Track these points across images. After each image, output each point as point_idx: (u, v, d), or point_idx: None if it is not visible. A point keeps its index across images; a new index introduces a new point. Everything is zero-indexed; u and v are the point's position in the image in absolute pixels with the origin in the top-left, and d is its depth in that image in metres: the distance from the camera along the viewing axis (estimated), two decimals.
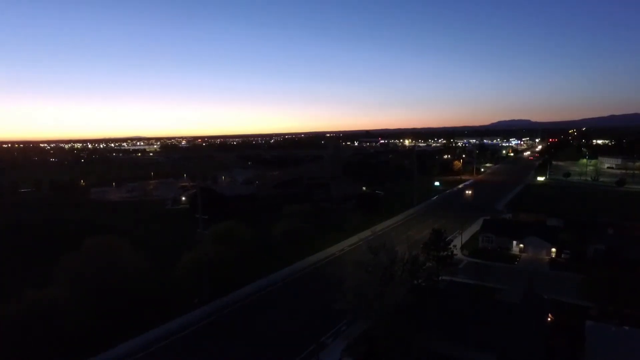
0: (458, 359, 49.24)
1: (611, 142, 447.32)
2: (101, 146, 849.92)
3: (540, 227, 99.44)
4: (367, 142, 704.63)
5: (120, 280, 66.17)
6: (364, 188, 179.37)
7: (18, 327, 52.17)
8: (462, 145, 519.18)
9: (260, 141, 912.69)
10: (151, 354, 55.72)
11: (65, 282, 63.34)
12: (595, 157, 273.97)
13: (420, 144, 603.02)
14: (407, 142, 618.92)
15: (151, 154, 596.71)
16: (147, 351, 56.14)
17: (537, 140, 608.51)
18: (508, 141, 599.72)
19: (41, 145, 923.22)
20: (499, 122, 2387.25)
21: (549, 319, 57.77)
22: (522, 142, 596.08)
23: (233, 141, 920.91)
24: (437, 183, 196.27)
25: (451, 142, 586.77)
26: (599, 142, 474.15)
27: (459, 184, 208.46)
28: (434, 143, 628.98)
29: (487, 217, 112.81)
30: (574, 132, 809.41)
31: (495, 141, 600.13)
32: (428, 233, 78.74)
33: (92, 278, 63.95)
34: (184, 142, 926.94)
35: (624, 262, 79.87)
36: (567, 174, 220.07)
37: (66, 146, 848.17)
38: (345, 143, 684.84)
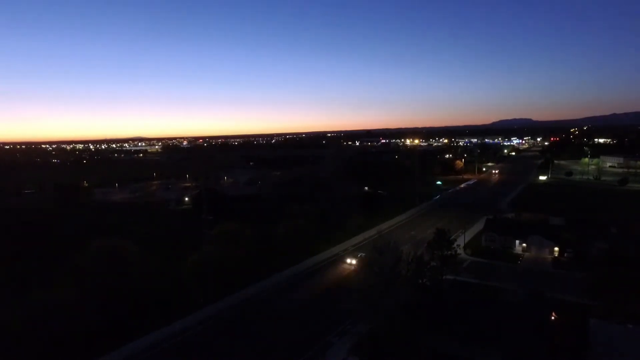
0: (463, 358, 49.65)
1: (613, 140, 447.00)
2: (103, 147, 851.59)
3: (543, 226, 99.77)
4: (368, 141, 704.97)
5: (126, 281, 66.81)
6: (366, 188, 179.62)
7: (25, 327, 52.70)
8: (463, 144, 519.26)
9: (261, 141, 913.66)
10: (157, 354, 56.17)
11: (72, 282, 64.02)
12: (597, 156, 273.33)
13: (422, 144, 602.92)
14: (408, 141, 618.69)
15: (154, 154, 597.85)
16: (154, 351, 56.59)
17: (538, 139, 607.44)
18: (509, 140, 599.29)
19: (43, 146, 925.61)
20: (500, 121, 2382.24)
21: (552, 318, 58.07)
22: (523, 141, 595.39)
23: (234, 141, 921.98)
24: (439, 182, 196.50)
25: (452, 142, 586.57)
26: (601, 140, 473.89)
27: (461, 183, 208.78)
28: (435, 142, 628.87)
29: (489, 217, 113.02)
30: (575, 130, 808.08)
31: (496, 140, 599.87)
32: (431, 232, 79.13)
33: (98, 279, 64.64)
34: (185, 143, 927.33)
35: (627, 260, 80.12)
36: (569, 173, 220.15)
37: (68, 147, 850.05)
38: (347, 143, 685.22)
